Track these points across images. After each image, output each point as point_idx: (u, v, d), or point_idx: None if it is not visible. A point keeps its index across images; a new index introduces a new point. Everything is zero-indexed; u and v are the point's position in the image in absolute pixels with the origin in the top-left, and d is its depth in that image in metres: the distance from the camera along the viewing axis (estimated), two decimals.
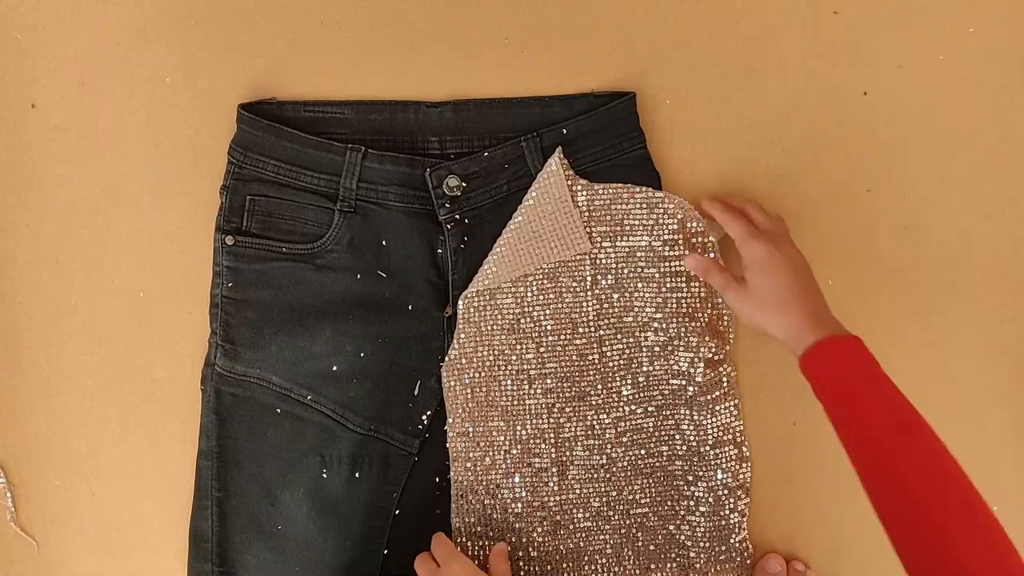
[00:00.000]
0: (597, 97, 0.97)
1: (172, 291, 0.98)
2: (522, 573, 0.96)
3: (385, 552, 0.96)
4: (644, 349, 0.96)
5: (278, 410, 0.95)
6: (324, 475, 0.95)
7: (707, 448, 0.96)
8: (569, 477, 0.96)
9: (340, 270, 0.95)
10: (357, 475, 0.95)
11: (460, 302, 0.95)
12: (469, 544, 0.96)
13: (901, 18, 0.99)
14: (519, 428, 0.96)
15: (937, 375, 1.01)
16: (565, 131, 0.95)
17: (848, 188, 1.00)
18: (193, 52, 0.97)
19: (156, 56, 0.97)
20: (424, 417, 0.96)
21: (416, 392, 0.96)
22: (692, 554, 0.97)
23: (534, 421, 0.96)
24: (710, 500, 0.96)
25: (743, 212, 0.93)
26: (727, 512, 0.96)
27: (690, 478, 0.97)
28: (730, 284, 0.90)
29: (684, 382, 0.96)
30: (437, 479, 0.97)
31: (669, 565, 0.97)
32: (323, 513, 0.95)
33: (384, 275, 0.96)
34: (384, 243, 0.95)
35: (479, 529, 0.96)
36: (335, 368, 0.95)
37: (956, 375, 1.01)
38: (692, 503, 0.97)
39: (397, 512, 0.96)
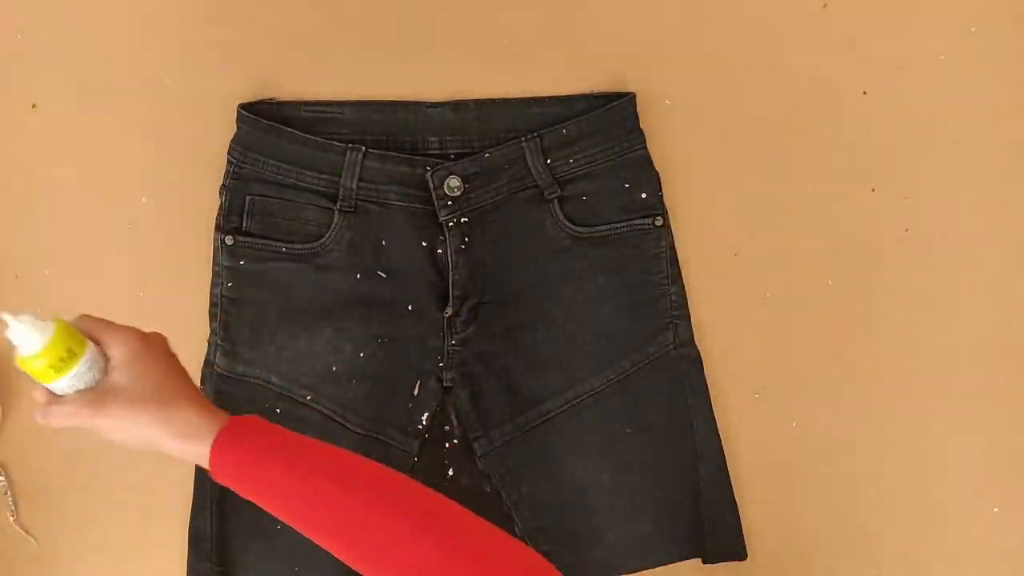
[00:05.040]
0: (597, 97, 0.97)
1: (172, 291, 0.98)
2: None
3: None
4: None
5: (278, 410, 0.95)
6: None
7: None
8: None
9: (340, 270, 0.95)
10: None
11: None
12: None
13: (901, 18, 0.99)
14: None
15: (937, 375, 1.01)
16: (565, 131, 0.95)
17: (848, 188, 1.00)
18: (193, 52, 0.97)
19: (156, 56, 0.97)
20: (424, 417, 0.96)
21: (416, 392, 0.96)
22: None
23: None
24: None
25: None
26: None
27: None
28: (86, 404, 0.68)
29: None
30: (437, 480, 0.97)
31: None
32: None
33: (384, 275, 0.96)
34: (384, 243, 0.95)
35: None
36: (335, 368, 0.95)
37: (956, 375, 1.01)
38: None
39: None
